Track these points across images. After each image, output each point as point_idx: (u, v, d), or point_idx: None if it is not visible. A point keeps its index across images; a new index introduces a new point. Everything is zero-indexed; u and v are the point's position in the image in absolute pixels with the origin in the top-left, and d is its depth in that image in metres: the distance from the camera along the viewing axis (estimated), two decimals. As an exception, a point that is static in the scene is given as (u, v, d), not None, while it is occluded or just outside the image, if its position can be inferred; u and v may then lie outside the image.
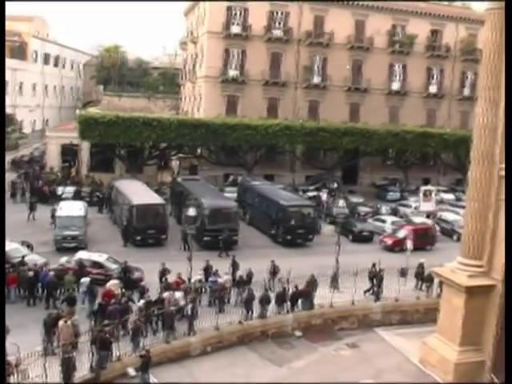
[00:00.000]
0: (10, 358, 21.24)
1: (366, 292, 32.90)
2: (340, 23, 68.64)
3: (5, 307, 26.33)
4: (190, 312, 26.90)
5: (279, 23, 67.55)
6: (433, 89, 73.85)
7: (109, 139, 55.89)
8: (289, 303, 30.23)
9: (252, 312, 29.26)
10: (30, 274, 30.61)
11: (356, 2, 68.80)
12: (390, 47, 71.20)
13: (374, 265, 33.19)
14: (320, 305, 31.24)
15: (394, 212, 54.39)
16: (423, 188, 52.66)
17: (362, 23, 70.06)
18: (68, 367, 21.72)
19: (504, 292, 22.98)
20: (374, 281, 32.82)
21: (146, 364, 23.41)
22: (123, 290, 29.58)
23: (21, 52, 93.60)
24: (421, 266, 34.23)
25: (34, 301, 30.53)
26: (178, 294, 28.31)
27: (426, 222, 48.65)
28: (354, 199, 57.27)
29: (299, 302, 30.62)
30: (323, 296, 31.43)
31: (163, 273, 31.95)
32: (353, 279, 31.45)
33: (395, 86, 72.19)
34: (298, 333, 30.00)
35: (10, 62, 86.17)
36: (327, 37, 68.56)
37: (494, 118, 24.58)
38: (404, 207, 55.40)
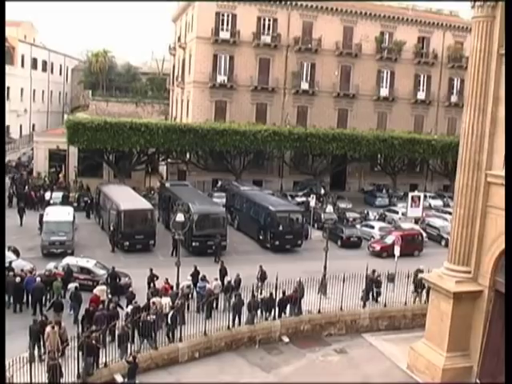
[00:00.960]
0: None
1: (363, 297, 33.01)
2: (328, 29, 68.94)
3: (5, 308, 26.23)
4: (169, 320, 26.65)
5: (268, 29, 67.77)
6: (420, 95, 74.23)
7: (97, 144, 55.73)
8: (277, 309, 30.20)
9: (240, 318, 29.24)
10: (17, 279, 30.41)
11: (345, 9, 69.07)
12: (378, 54, 71.55)
13: (373, 271, 33.28)
14: (308, 310, 31.23)
15: (382, 218, 54.56)
16: (411, 194, 52.86)
17: (350, 29, 70.38)
18: (54, 374, 21.57)
19: (505, 294, 23.00)
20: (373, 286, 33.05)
21: (133, 370, 23.32)
22: (111, 295, 29.52)
23: (8, 56, 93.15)
24: (419, 272, 34.24)
25: (20, 307, 30.30)
26: (166, 300, 28.23)
27: (414, 228, 48.80)
28: (343, 205, 57.37)
29: (287, 307, 30.61)
30: (311, 302, 31.41)
31: (151, 278, 31.87)
32: (341, 285, 31.46)
33: (383, 92, 72.54)
34: (285, 339, 29.96)
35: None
36: (316, 43, 68.82)
37: (481, 124, 24.73)
38: (392, 213, 55.56)
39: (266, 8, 67.15)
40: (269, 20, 67.77)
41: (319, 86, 69.74)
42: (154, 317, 26.07)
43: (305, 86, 69.58)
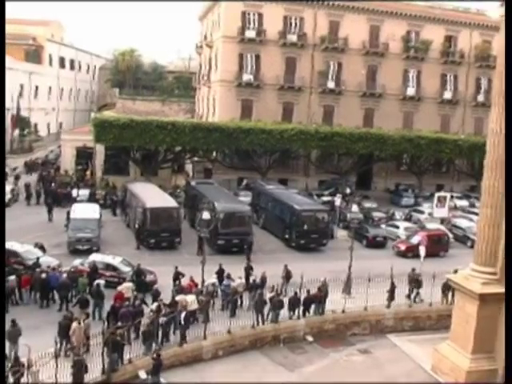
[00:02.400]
0: (23, 359, 21.38)
1: (408, 297, 33.01)
2: (355, 28, 68.66)
3: (5, 308, 26.51)
4: (182, 320, 26.60)
5: (294, 28, 67.66)
6: (447, 95, 73.63)
7: (123, 142, 56.08)
8: (301, 308, 30.21)
9: (264, 316, 29.27)
10: (43, 275, 30.78)
11: (371, 8, 68.78)
12: (404, 53, 71.10)
13: (413, 269, 33.16)
14: (332, 310, 31.20)
15: (408, 218, 54.22)
16: (437, 194, 52.46)
17: (377, 28, 70.05)
18: (79, 369, 21.80)
19: (505, 294, 22.88)
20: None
21: (157, 367, 23.46)
22: (136, 292, 29.73)
23: (36, 55, 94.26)
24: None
25: (47, 303, 30.66)
26: (191, 298, 28.35)
27: (440, 228, 48.45)
28: (368, 204, 57.10)
29: (312, 307, 30.60)
30: (336, 301, 31.38)
31: (177, 276, 32.02)
32: (366, 285, 31.35)
33: (410, 91, 72.08)
34: (309, 338, 29.97)
35: (25, 66, 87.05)
36: (342, 42, 68.57)
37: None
38: (418, 213, 55.16)
39: (293, 7, 67.04)
40: (295, 19, 67.66)
41: (345, 85, 69.52)
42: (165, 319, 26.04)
43: (331, 85, 69.37)
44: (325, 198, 57.73)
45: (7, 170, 66.38)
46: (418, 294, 33.24)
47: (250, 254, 39.97)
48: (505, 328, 22.94)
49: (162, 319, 25.82)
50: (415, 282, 33.08)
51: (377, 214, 53.94)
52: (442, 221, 50.98)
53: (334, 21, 68.53)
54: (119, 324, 24.66)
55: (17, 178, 63.88)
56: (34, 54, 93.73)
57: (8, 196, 53.74)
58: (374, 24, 69.86)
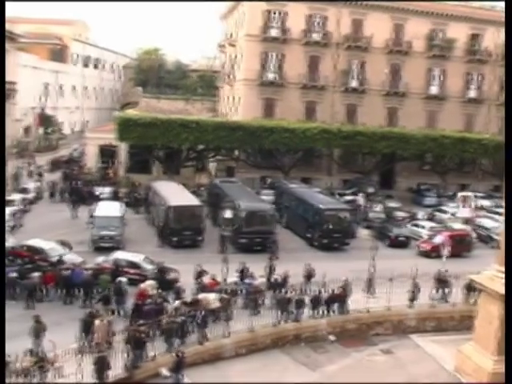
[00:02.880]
0: (47, 355, 21.59)
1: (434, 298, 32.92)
2: (379, 27, 68.34)
3: (5, 307, 26.77)
4: (200, 320, 26.57)
5: (318, 27, 67.51)
6: (472, 93, 73.04)
7: (147, 141, 56.36)
8: (323, 307, 30.17)
9: (286, 315, 29.27)
10: (67, 272, 31.06)
11: (395, 6, 68.42)
12: (428, 51, 70.63)
13: (441, 270, 33.03)
14: (355, 310, 31.11)
15: (431, 217, 53.85)
16: (461, 194, 52.10)
17: (400, 27, 69.67)
18: (102, 365, 21.97)
19: (505, 294, 22.73)
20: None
21: (179, 364, 23.55)
22: (158, 290, 29.89)
23: (62, 55, 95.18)
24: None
25: (70, 299, 30.94)
26: (213, 296, 28.44)
27: (464, 228, 48.09)
28: (391, 204, 56.80)
29: (334, 306, 30.54)
30: (358, 301, 31.28)
31: (199, 274, 32.12)
32: (388, 284, 31.23)
33: (433, 90, 71.61)
34: (331, 337, 29.89)
35: (51, 65, 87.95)
36: (365, 41, 68.31)
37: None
38: (441, 213, 54.77)
39: (316, 5, 66.89)
40: (319, 17, 67.51)
41: (369, 84, 69.26)
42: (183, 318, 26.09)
43: (354, 83, 69.17)
44: (347, 198, 57.51)
45: (32, 168, 67.20)
46: (445, 294, 33.04)
47: (275, 253, 40.12)
48: (505, 328, 22.73)
49: (180, 318, 25.86)
50: (442, 282, 32.90)
51: (399, 214, 53.65)
52: (466, 221, 50.58)
53: (357, 19, 68.30)
54: (142, 321, 24.78)
55: (40, 175, 64.66)
56: (59, 53, 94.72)
57: (33, 194, 54.42)
58: (398, 22, 69.49)
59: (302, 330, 29.40)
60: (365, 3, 67.59)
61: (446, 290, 33.03)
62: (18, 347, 20.55)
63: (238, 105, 70.24)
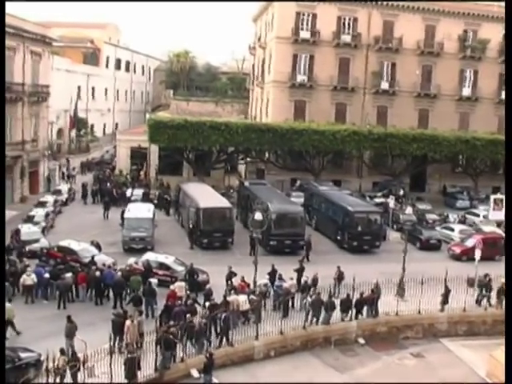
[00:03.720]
0: (79, 354, 21.83)
1: (477, 302, 32.78)
2: (410, 28, 67.87)
3: (5, 307, 27.07)
4: (222, 322, 26.42)
5: (348, 28, 67.31)
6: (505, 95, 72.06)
7: (177, 143, 56.70)
8: (353, 310, 30.05)
9: (317, 317, 29.21)
10: (99, 273, 31.36)
11: (427, 7, 67.91)
12: (461, 52, 69.92)
13: (486, 275, 32.78)
14: (385, 313, 30.94)
15: (463, 220, 53.32)
16: (493, 196, 51.45)
17: (432, 28, 69.10)
18: (133, 366, 22.12)
19: (505, 295, 22.46)
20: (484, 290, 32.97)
21: (209, 366, 23.63)
22: (189, 292, 30.03)
23: (94, 58, 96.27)
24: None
25: (101, 300, 31.26)
26: (243, 298, 28.49)
27: (496, 232, 47.48)
28: (422, 206, 56.33)
29: (364, 309, 30.41)
30: (388, 304, 31.11)
31: (230, 276, 32.20)
32: (419, 287, 31.00)
33: (466, 91, 70.85)
34: (361, 340, 29.77)
35: (83, 68, 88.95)
36: (396, 42, 67.88)
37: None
38: (473, 216, 54.20)
39: (347, 7, 66.71)
40: (349, 19, 67.30)
41: (399, 86, 68.79)
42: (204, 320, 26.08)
43: (385, 85, 68.78)
44: (378, 200, 57.24)
45: (65, 169, 68.02)
46: (488, 297, 32.74)
47: (309, 255, 40.28)
48: (505, 328, 22.49)
49: (202, 320, 25.89)
50: (485, 286, 32.62)
51: (431, 216, 53.22)
52: (499, 224, 49.93)
53: (388, 20, 67.94)
54: (172, 322, 24.91)
55: (72, 177, 65.49)
56: (91, 57, 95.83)
57: (65, 195, 55.12)
58: (430, 23, 68.93)
59: (331, 332, 29.33)
60: (396, 4, 67.19)
61: (487, 294, 32.75)
62: (49, 347, 20.74)
63: (268, 107, 70.27)
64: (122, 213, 45.38)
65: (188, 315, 25.50)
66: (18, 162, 54.62)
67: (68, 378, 21.17)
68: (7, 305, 27.85)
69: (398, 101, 69.30)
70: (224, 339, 26.33)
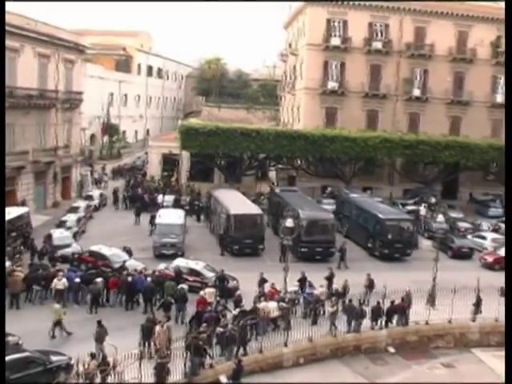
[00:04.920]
0: (109, 359, 21.97)
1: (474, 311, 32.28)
2: (442, 34, 67.34)
3: (5, 307, 27.30)
4: (241, 329, 25.95)
5: (379, 35, 67.03)
6: (540, 102, 71.18)
7: (208, 149, 56.94)
8: (384, 318, 29.82)
9: (349, 324, 29.06)
10: (130, 279, 31.57)
11: (459, 13, 67.37)
12: (493, 58, 69.18)
13: None
14: (415, 321, 30.66)
15: (496, 229, 52.65)
16: (527, 204, 50.68)
17: (464, 34, 68.48)
18: (162, 371, 22.21)
19: (505, 295, 22.13)
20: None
21: (238, 373, 23.64)
22: (219, 298, 30.09)
23: (126, 65, 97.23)
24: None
25: (132, 305, 31.46)
26: (273, 305, 28.45)
27: (530, 240, 46.79)
28: (454, 214, 55.78)
29: (394, 317, 30.16)
30: (419, 312, 30.83)
31: (262, 282, 32.16)
32: (450, 296, 30.67)
33: (498, 98, 70.05)
34: (391, 349, 29.54)
35: (115, 75, 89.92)
36: (428, 48, 67.41)
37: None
38: (506, 224, 53.50)
39: (378, 14, 66.48)
40: (380, 26, 67.03)
41: (431, 93, 68.26)
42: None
43: (416, 92, 68.31)
44: (409, 207, 56.83)
45: (96, 175, 68.69)
46: None
47: (344, 261, 40.46)
48: (505, 328, 22.56)
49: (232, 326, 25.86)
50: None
51: (463, 225, 52.67)
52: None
53: (420, 27, 67.51)
54: (202, 329, 24.95)
55: (104, 182, 66.11)
56: (123, 64, 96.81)
57: (97, 201, 55.63)
58: (462, 29, 68.32)
59: (361, 340, 29.16)
60: (428, 10, 66.73)
61: None
62: (80, 350, 20.93)
63: (299, 114, 70.23)
64: (151, 218, 45.74)
65: (217, 321, 25.57)
66: (50, 167, 55.31)
67: (98, 382, 21.31)
68: (56, 305, 28.48)
69: (429, 108, 68.78)
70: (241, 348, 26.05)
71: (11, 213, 42.50)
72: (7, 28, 46.16)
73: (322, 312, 30.20)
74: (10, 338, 24.17)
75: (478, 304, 31.45)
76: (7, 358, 21.53)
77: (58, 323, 27.59)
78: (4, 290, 29.68)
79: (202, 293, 29.89)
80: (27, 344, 24.19)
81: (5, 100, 40.07)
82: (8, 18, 46.32)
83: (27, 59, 50.37)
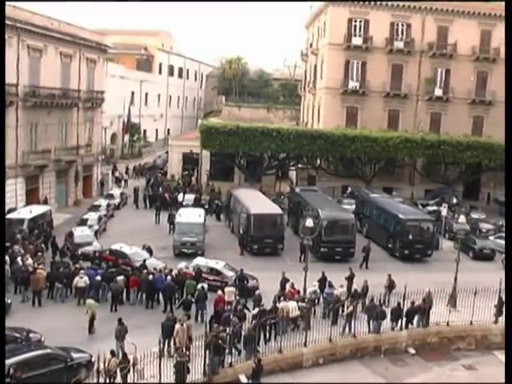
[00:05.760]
0: (129, 357, 22.04)
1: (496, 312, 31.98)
2: (465, 34, 66.82)
3: (5, 307, 27.39)
4: (248, 332, 25.56)
5: (401, 34, 66.70)
6: None
7: (229, 148, 57.09)
8: (404, 319, 29.64)
9: (371, 325, 28.94)
10: (150, 277, 31.67)
11: (483, 12, 66.83)
12: (518, 58, 68.56)
13: None
14: (436, 323, 30.44)
15: (520, 230, 52.09)
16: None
17: (488, 33, 67.88)
18: (182, 370, 22.23)
19: (505, 296, 21.87)
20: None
21: (257, 372, 23.61)
22: (238, 297, 30.09)
23: (147, 64, 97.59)
24: None
25: (152, 304, 31.57)
26: (292, 305, 28.40)
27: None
28: (476, 215, 55.39)
29: (415, 318, 29.96)
30: (439, 314, 30.56)
31: (284, 281, 32.11)
32: (472, 298, 30.39)
33: (523, 98, 69.40)
34: (412, 350, 29.32)
35: (137, 74, 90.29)
36: (451, 48, 66.93)
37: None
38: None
39: (400, 13, 66.14)
40: (402, 25, 66.68)
41: (453, 93, 67.77)
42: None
43: (438, 92, 67.86)
44: (430, 208, 56.49)
45: (117, 174, 69.05)
46: None
47: (368, 262, 40.36)
48: (505, 328, 22.22)
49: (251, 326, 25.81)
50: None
51: (485, 226, 52.23)
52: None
53: (442, 26, 67.05)
54: (221, 328, 24.95)
55: (124, 181, 66.45)
56: (145, 63, 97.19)
57: (118, 199, 55.92)
58: (485, 28, 67.75)
59: (381, 341, 28.97)
60: (451, 9, 66.26)
61: None
62: (100, 348, 21.01)
63: (319, 113, 70.08)
64: (169, 217, 45.88)
65: (237, 320, 25.57)
66: (72, 166, 55.71)
67: (118, 380, 21.39)
68: (90, 301, 28.87)
69: (451, 107, 68.30)
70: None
71: (33, 211, 43.00)
72: (31, 28, 46.76)
73: (341, 312, 30.10)
74: (32, 335, 24.43)
75: (500, 306, 31.13)
76: (29, 355, 21.83)
77: (93, 318, 27.93)
78: (4, 289, 29.81)
79: (219, 292, 29.92)
80: (49, 341, 24.41)
81: (5, 100, 40.35)
82: (32, 19, 46.92)
83: (50, 59, 50.84)
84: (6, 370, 20.43)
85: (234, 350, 24.85)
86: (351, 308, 28.76)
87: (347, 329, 28.64)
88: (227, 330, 24.67)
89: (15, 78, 45.63)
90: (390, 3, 65.40)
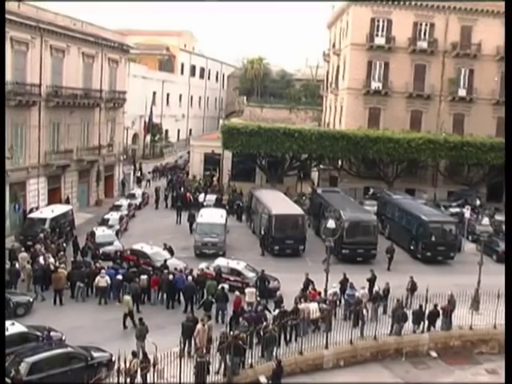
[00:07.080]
0: (149, 356, 22.04)
1: None
2: (489, 33, 66.02)
3: (5, 307, 27.38)
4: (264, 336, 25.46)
5: (424, 34, 66.20)
6: None
7: (250, 149, 57.01)
8: (426, 322, 29.36)
9: (395, 327, 28.69)
10: (171, 277, 31.69)
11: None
12: (543, 59, 67.78)
13: None
14: (459, 326, 30.11)
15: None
16: None
17: (513, 33, 67.15)
18: (202, 370, 22.18)
19: (505, 296, 21.56)
20: None
21: (277, 373, 23.51)
22: (259, 298, 30.00)
23: (169, 64, 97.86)
24: None
25: (172, 304, 31.58)
26: (314, 306, 28.25)
27: None
28: (500, 217, 54.73)
29: (437, 321, 29.66)
30: (462, 317, 30.24)
31: (307, 283, 31.97)
32: (495, 301, 30.03)
33: (548, 99, 68.60)
34: (433, 353, 29.02)
35: (158, 75, 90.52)
36: (475, 48, 66.27)
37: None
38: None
39: (423, 13, 65.65)
40: (425, 25, 66.16)
41: (477, 93, 67.13)
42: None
43: (462, 92, 67.23)
44: (453, 210, 55.89)
45: (139, 174, 69.32)
46: None
47: (391, 263, 40.22)
48: (505, 328, 22.03)
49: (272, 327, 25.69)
50: None
51: (508, 228, 51.61)
52: None
53: (466, 26, 66.40)
54: (241, 328, 24.86)
55: (146, 181, 66.71)
56: (167, 63, 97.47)
57: (139, 199, 56.13)
58: (510, 29, 67.04)
59: (403, 344, 28.71)
60: (474, 9, 65.63)
61: None
62: (121, 347, 21.01)
63: (341, 114, 69.80)
64: (189, 217, 45.91)
65: (258, 322, 25.48)
66: (94, 166, 55.99)
67: (138, 380, 21.39)
68: (127, 297, 29.13)
69: (475, 108, 67.64)
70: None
71: (55, 210, 43.27)
72: (54, 29, 47.12)
73: (363, 314, 29.88)
74: (53, 334, 24.52)
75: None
76: (50, 353, 21.97)
77: (128, 314, 28.10)
78: (4, 289, 29.97)
79: (237, 293, 29.87)
80: (70, 340, 24.51)
81: (5, 100, 40.64)
82: (55, 20, 47.23)
83: (73, 59, 51.16)
84: (26, 367, 20.58)
85: (253, 351, 24.77)
86: (369, 310, 28.63)
87: (365, 331, 28.44)
88: (247, 330, 24.59)
89: (38, 78, 46.00)
90: (413, 3, 64.95)
